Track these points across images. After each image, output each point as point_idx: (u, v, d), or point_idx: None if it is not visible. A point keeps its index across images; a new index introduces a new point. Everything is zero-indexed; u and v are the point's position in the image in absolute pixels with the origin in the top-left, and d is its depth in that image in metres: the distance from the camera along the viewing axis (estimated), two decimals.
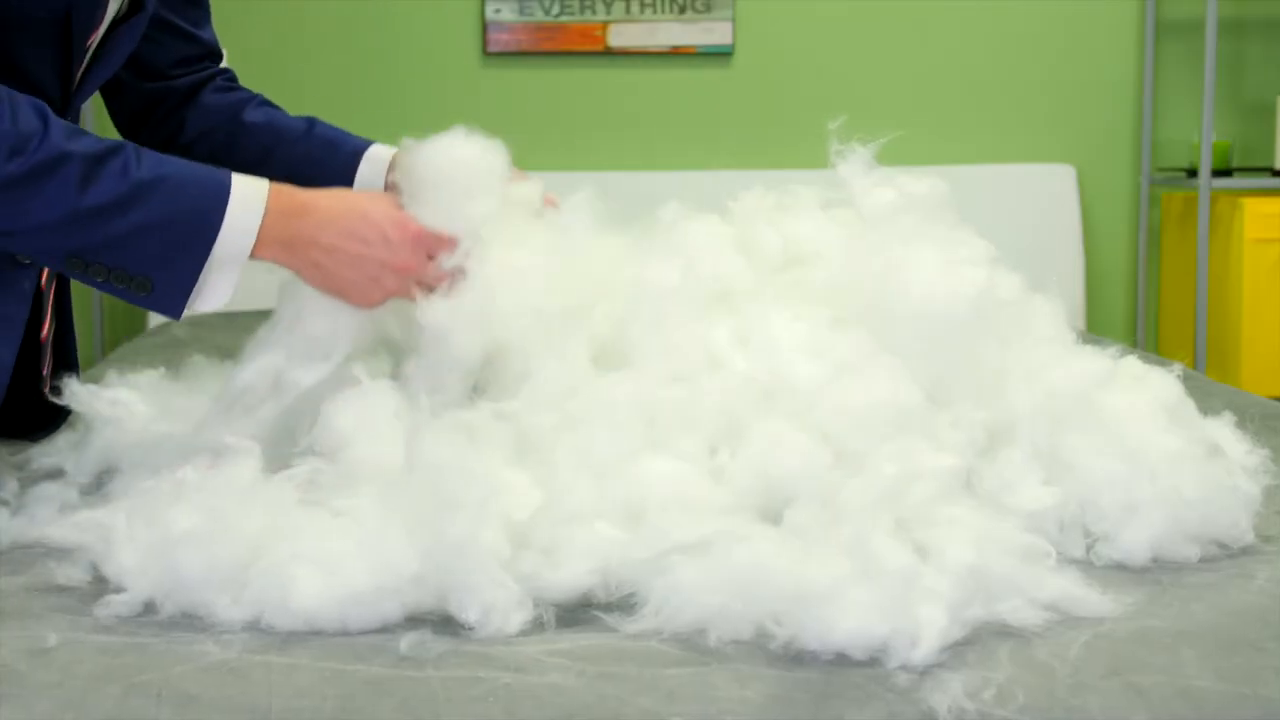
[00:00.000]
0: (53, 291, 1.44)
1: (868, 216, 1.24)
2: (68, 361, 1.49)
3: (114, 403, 1.32)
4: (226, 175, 1.17)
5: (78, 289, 3.27)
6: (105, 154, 1.14)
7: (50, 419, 1.46)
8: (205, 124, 1.55)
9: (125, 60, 1.42)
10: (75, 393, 1.32)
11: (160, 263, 1.14)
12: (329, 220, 1.19)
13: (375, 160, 1.50)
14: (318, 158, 1.51)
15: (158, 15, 1.48)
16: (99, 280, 1.15)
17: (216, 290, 1.17)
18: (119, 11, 1.35)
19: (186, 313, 1.17)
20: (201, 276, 1.15)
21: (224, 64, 1.61)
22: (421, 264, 1.19)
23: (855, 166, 1.27)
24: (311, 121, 1.55)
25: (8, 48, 1.25)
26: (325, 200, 1.20)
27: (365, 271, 1.18)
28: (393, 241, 1.19)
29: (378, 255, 1.18)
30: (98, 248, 1.13)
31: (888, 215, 1.23)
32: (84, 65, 1.34)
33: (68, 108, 1.36)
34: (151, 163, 1.15)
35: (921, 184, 1.25)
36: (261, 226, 1.16)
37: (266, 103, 1.59)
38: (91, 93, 1.40)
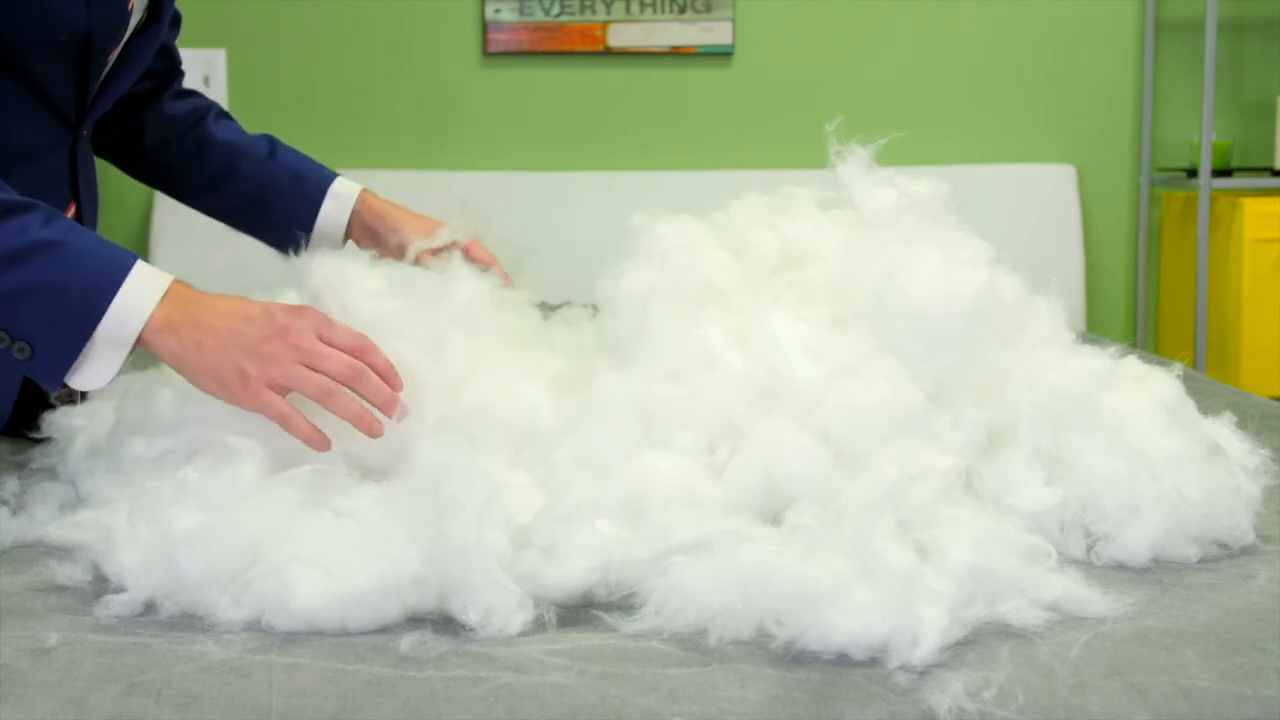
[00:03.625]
0: None
1: (868, 217, 1.24)
2: None
3: (90, 415, 1.31)
4: (133, 257, 1.13)
5: None
6: (12, 208, 1.11)
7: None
8: (168, 133, 1.56)
9: (142, 72, 1.42)
10: (52, 422, 1.31)
11: (43, 328, 1.10)
12: (219, 303, 1.14)
13: (340, 197, 1.51)
14: (283, 187, 1.51)
15: None
16: None
17: (98, 370, 1.12)
18: (137, 25, 1.35)
19: (64, 387, 1.13)
20: (84, 352, 1.11)
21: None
22: (309, 340, 1.10)
23: (855, 167, 1.27)
24: (272, 143, 1.55)
25: (28, 68, 1.25)
26: (224, 298, 1.15)
27: (244, 343, 1.11)
28: (278, 316, 1.12)
29: (259, 331, 1.11)
30: None
31: (888, 216, 1.23)
32: (100, 80, 1.35)
33: (83, 122, 1.37)
34: (59, 228, 1.12)
35: (922, 184, 1.25)
36: (153, 312, 1.11)
37: (224, 114, 1.60)
38: (107, 107, 1.40)
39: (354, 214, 1.52)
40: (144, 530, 1.00)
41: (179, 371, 1.14)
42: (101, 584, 1.00)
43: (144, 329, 1.11)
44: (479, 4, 3.36)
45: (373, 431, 1.09)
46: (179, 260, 3.20)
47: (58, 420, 1.32)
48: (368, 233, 1.51)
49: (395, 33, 3.36)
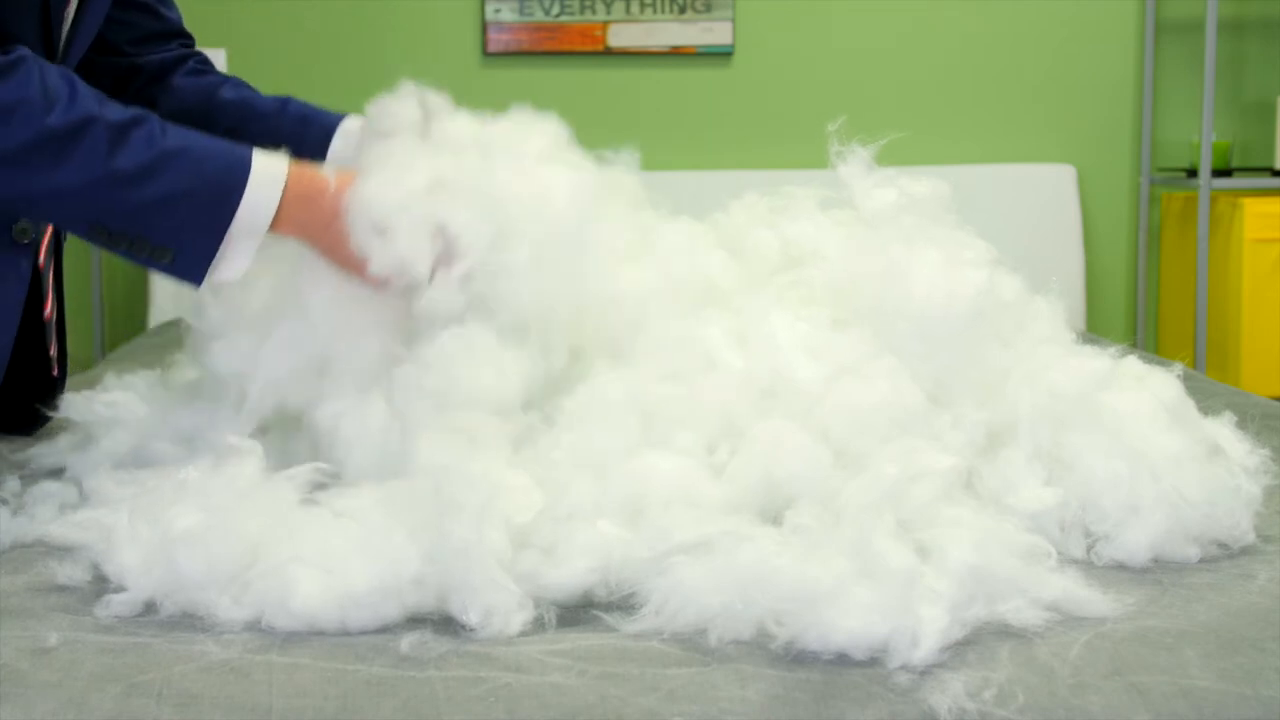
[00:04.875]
0: (51, 271, 1.45)
1: (869, 217, 1.24)
2: (63, 345, 1.50)
3: (110, 405, 1.32)
4: (247, 150, 1.18)
5: (74, 285, 3.28)
6: (132, 121, 1.15)
7: (51, 397, 1.47)
8: (178, 105, 1.54)
9: (99, 26, 1.41)
10: (71, 402, 1.32)
11: (182, 233, 1.15)
12: (342, 206, 1.19)
13: (348, 134, 1.50)
14: (290, 133, 1.50)
15: None
16: (121, 249, 1.15)
17: (235, 261, 1.18)
18: None
19: (206, 282, 1.17)
20: (221, 248, 1.16)
21: (196, 47, 1.60)
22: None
23: (855, 167, 1.27)
24: (286, 100, 1.54)
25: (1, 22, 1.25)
26: (340, 181, 1.20)
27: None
28: None
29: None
30: (122, 216, 1.14)
31: (888, 216, 1.23)
32: (64, 37, 1.34)
33: None
34: (176, 134, 1.17)
35: (922, 185, 1.25)
36: (280, 205, 1.17)
37: (242, 84, 1.58)
38: (76, 60, 1.39)
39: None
40: (144, 530, 1.00)
41: (310, 245, 1.19)
42: (102, 584, 1.00)
43: (276, 217, 1.17)
44: (479, 4, 3.36)
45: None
46: None
47: (77, 404, 1.32)
48: None
49: (395, 33, 3.36)
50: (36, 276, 1.40)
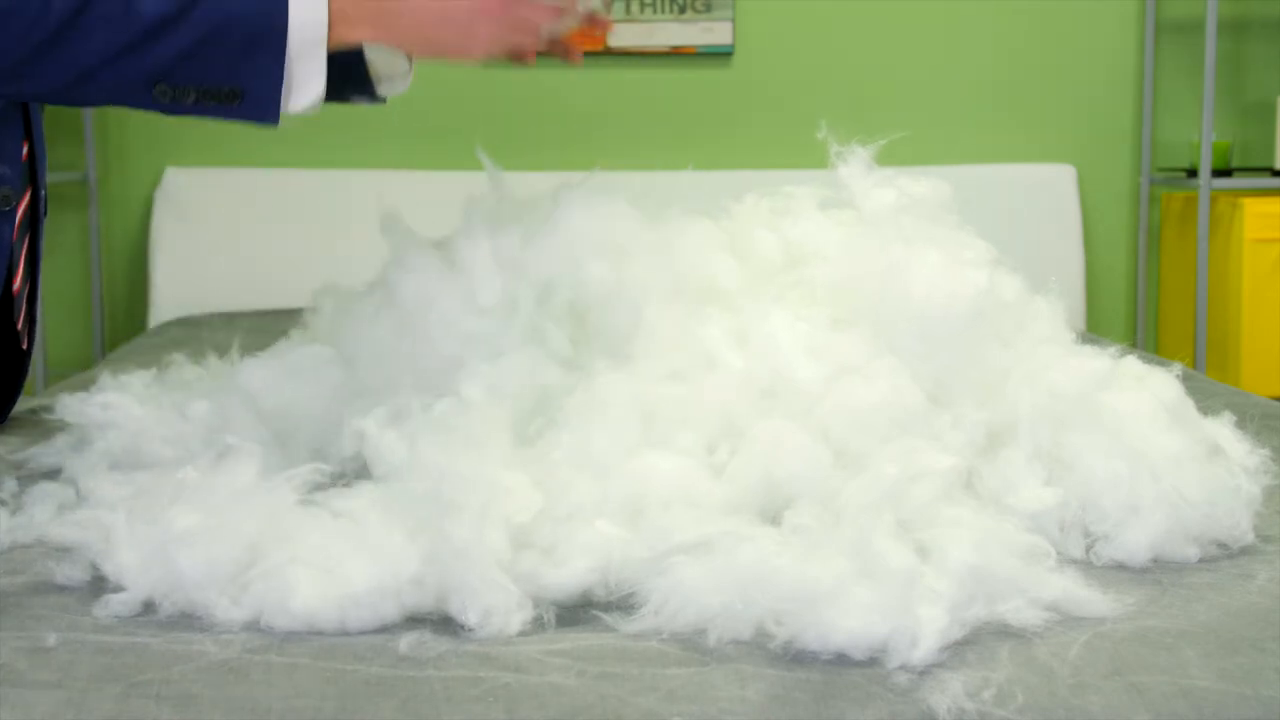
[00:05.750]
0: (25, 245, 1.45)
1: (869, 217, 1.24)
2: (33, 317, 1.50)
3: (105, 407, 1.32)
4: None
5: (74, 285, 3.28)
6: None
7: (21, 371, 1.47)
8: None
9: None
10: (67, 404, 1.32)
11: (241, 67, 1.13)
12: None
13: None
14: None
15: None
16: (191, 102, 1.13)
17: (308, 84, 1.15)
18: None
19: (286, 116, 1.15)
20: (287, 71, 1.13)
21: None
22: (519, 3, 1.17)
23: (856, 167, 1.27)
24: None
25: None
26: None
27: (457, 21, 1.16)
28: None
29: (465, 4, 1.16)
30: (173, 64, 1.12)
31: (889, 216, 1.23)
32: None
33: None
34: None
35: (922, 185, 1.25)
36: (330, 6, 1.14)
37: None
38: None
39: None
40: (143, 530, 1.00)
41: (380, 39, 1.17)
42: (100, 584, 1.00)
43: (331, 22, 1.14)
44: None
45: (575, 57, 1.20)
46: (179, 260, 3.20)
47: (72, 405, 1.32)
48: None
49: None
50: (9, 248, 1.40)
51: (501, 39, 1.18)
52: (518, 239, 1.23)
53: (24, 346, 1.48)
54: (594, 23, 1.29)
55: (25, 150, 1.42)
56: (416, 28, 1.16)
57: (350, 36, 1.15)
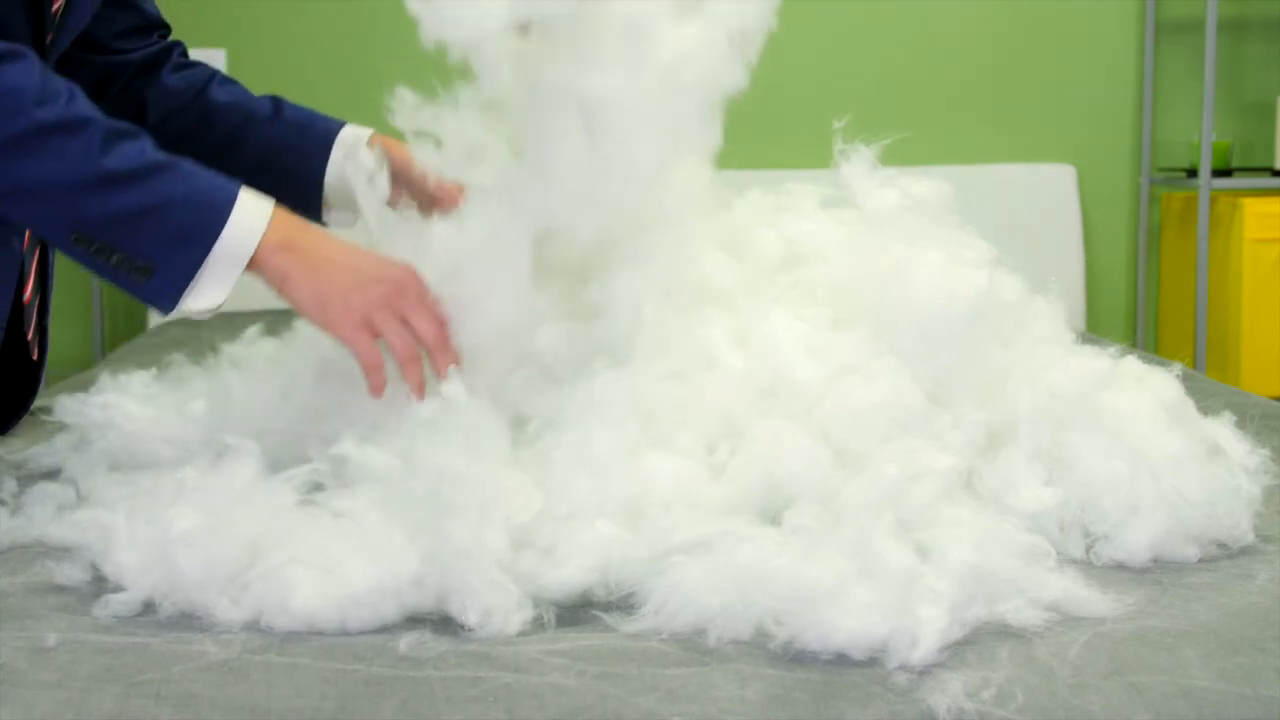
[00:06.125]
0: (36, 255, 1.45)
1: (870, 217, 1.24)
2: (44, 328, 1.51)
3: (105, 407, 1.32)
4: (235, 181, 1.18)
5: (74, 285, 3.28)
6: (126, 130, 1.15)
7: (32, 382, 1.47)
8: (170, 105, 1.53)
9: (86, 23, 1.41)
10: (65, 406, 1.32)
11: (165, 247, 1.13)
12: (327, 235, 1.19)
13: (346, 145, 1.49)
14: (290, 142, 1.49)
15: None
16: (100, 260, 1.14)
17: (212, 289, 1.16)
18: None
19: (179, 310, 1.16)
20: (201, 269, 1.14)
21: (172, 37, 1.59)
22: (413, 301, 1.17)
23: (857, 167, 1.27)
24: (277, 102, 1.53)
25: None
26: (326, 233, 1.21)
27: (356, 277, 1.17)
28: (392, 269, 1.18)
29: (374, 273, 1.17)
30: (106, 221, 1.13)
31: (890, 216, 1.23)
32: (55, 21, 1.34)
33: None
34: (167, 153, 1.16)
35: (924, 185, 1.25)
36: (267, 229, 1.16)
37: (227, 80, 1.57)
38: (65, 46, 1.39)
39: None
40: (143, 530, 1.00)
41: (281, 292, 1.17)
42: (100, 584, 1.00)
43: (259, 246, 1.15)
44: None
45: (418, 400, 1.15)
46: None
47: (72, 406, 1.32)
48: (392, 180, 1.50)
49: (395, 33, 3.36)
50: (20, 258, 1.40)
51: (382, 306, 1.16)
52: None
53: (35, 358, 1.48)
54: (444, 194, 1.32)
55: None
56: (322, 271, 1.17)
57: (264, 270, 1.16)
